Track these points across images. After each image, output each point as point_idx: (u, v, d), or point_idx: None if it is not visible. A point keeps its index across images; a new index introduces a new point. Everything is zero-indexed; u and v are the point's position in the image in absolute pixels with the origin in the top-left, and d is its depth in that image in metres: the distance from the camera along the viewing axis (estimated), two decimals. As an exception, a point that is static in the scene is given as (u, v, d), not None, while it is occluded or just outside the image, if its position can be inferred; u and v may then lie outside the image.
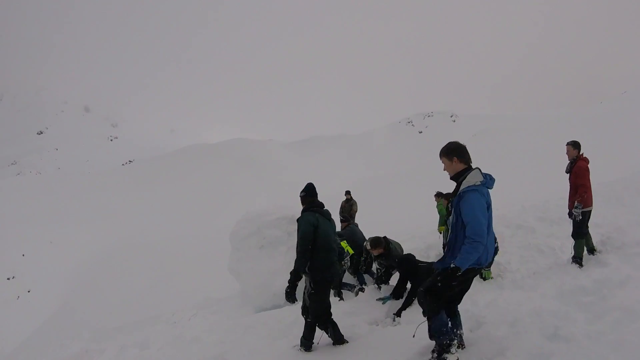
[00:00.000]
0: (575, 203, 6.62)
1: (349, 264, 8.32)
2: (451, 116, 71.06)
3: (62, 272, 24.98)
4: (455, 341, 4.06)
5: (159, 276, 21.50)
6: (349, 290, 8.28)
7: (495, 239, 4.67)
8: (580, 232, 6.69)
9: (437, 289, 3.92)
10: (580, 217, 6.59)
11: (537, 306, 5.01)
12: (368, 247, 7.09)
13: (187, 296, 15.68)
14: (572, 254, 6.76)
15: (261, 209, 10.23)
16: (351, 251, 8.61)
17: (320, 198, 5.41)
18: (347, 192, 13.51)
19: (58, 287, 23.31)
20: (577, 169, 6.74)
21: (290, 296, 4.96)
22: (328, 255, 5.07)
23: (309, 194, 5.36)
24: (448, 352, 3.96)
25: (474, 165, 4.10)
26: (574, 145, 6.91)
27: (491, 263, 4.82)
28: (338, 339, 5.28)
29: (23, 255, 26.25)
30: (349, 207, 13.06)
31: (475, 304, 5.57)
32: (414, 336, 4.46)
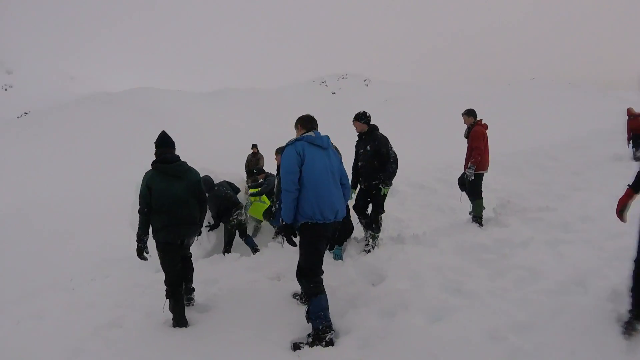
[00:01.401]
0: (469, 164, 6.88)
1: (241, 218, 8.06)
2: (365, 80, 72.31)
3: None
4: (332, 328, 3.90)
5: (55, 238, 20.22)
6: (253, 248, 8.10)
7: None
8: (476, 193, 7.00)
9: (302, 260, 4.03)
10: (473, 178, 6.88)
11: (438, 261, 5.03)
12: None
13: (85, 259, 14.95)
14: (472, 213, 7.01)
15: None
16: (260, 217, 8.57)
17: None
18: (254, 146, 13.20)
19: None
20: (474, 133, 6.99)
21: (140, 255, 4.72)
22: (165, 215, 4.63)
23: (158, 143, 4.90)
24: (323, 339, 3.82)
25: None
26: (469, 113, 7.19)
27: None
28: (177, 318, 4.76)
29: None
30: (255, 161, 12.78)
31: (377, 257, 5.53)
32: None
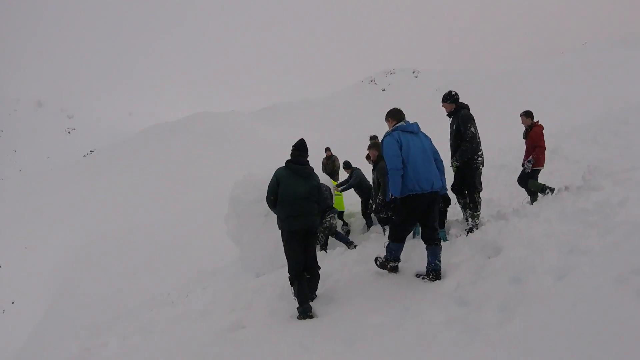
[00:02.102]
0: (530, 157, 7.57)
1: (333, 222, 8.46)
2: (413, 72, 71.18)
3: (43, 276, 24.31)
4: (397, 263, 5.52)
5: (142, 262, 21.08)
6: (345, 243, 8.46)
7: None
8: (534, 186, 7.66)
9: (395, 221, 5.35)
10: (530, 171, 7.60)
11: (546, 228, 5.25)
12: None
13: (178, 275, 15.41)
14: (530, 198, 7.74)
15: (265, 173, 9.16)
16: (342, 208, 8.96)
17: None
18: (327, 149, 13.41)
19: (42, 291, 22.70)
20: (534, 134, 7.66)
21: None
22: (288, 207, 5.47)
23: (294, 147, 5.84)
24: (385, 267, 5.48)
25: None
26: (527, 115, 7.85)
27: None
28: (302, 302, 5.40)
29: None
30: (331, 164, 13.01)
31: (486, 233, 5.80)
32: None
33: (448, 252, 5.65)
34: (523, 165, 7.77)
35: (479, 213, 6.59)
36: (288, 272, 5.63)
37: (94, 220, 31.86)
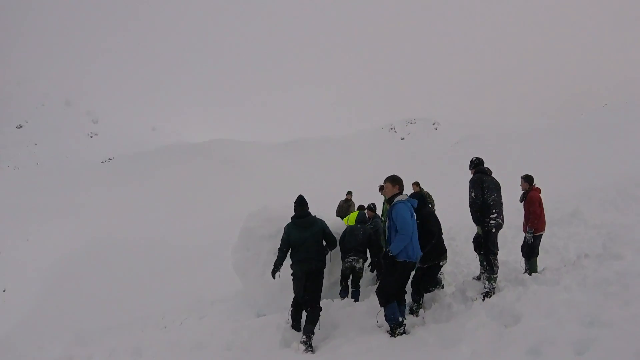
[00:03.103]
0: (527, 228, 7.53)
1: (355, 265, 8.21)
2: (433, 124, 71.97)
3: (39, 271, 24.36)
4: (403, 326, 5.53)
5: (141, 276, 21.02)
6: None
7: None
8: (533, 253, 7.59)
9: (384, 284, 5.61)
10: (532, 240, 7.51)
11: (566, 297, 5.09)
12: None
13: (175, 298, 15.25)
14: (528, 271, 7.34)
15: (282, 210, 9.13)
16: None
17: (286, 204, 6.96)
18: (349, 193, 13.10)
19: (35, 285, 22.69)
20: (530, 198, 7.67)
21: (273, 275, 6.78)
22: (298, 253, 6.56)
23: (295, 203, 6.87)
24: (396, 332, 5.45)
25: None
26: (526, 179, 7.88)
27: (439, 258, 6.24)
28: (295, 319, 6.72)
29: None
30: (347, 207, 12.77)
31: (504, 299, 5.63)
32: (377, 322, 5.83)
33: (464, 315, 5.49)
34: (525, 231, 7.71)
35: (495, 276, 6.48)
36: (292, 301, 6.79)
37: (101, 226, 32.16)
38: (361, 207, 11.09)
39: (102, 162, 60.33)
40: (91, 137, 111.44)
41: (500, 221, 6.55)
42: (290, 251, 6.72)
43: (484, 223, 6.49)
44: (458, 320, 5.36)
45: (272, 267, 6.76)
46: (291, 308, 6.81)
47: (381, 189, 10.92)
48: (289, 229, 6.76)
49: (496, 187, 6.69)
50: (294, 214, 6.85)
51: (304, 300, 6.53)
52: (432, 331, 5.30)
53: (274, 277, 6.73)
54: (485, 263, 6.52)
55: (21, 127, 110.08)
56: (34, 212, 32.95)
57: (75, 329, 13.87)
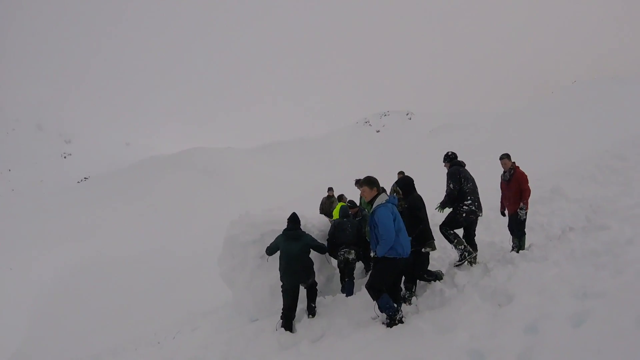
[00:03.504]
0: (521, 205, 7.35)
1: (348, 257, 8.23)
2: (407, 114, 72.56)
3: (25, 301, 23.70)
4: (400, 313, 5.54)
5: (130, 296, 20.70)
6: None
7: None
8: (523, 230, 7.48)
9: (374, 280, 5.59)
10: (525, 217, 7.40)
11: (556, 272, 5.12)
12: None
13: (165, 314, 15.05)
14: (515, 249, 7.37)
15: (264, 215, 9.19)
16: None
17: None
18: (330, 189, 13.08)
19: (22, 317, 22.07)
20: (520, 176, 7.48)
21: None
22: (286, 266, 7.00)
23: (288, 220, 7.43)
24: (396, 320, 5.47)
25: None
26: (508, 157, 7.73)
27: (430, 242, 6.33)
28: (286, 326, 6.91)
29: None
30: (329, 204, 12.70)
31: (495, 279, 5.64)
32: (375, 314, 5.80)
33: (457, 300, 5.49)
34: (509, 212, 7.65)
35: (458, 242, 7.03)
36: (282, 310, 7.04)
37: (82, 249, 31.52)
38: (341, 197, 11.31)
39: (78, 182, 59.43)
40: (65, 157, 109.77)
41: (473, 208, 6.96)
42: (279, 265, 7.15)
43: (457, 207, 7.03)
44: (452, 305, 5.34)
45: (259, 275, 7.37)
46: (281, 320, 7.00)
47: (357, 182, 11.16)
48: (279, 238, 7.33)
49: (471, 177, 7.15)
50: (286, 227, 7.38)
51: (294, 308, 7.05)
52: (427, 318, 5.26)
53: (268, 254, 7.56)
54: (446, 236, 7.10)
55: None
56: (13, 241, 32.19)
57: (69, 358, 13.61)
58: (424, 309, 5.76)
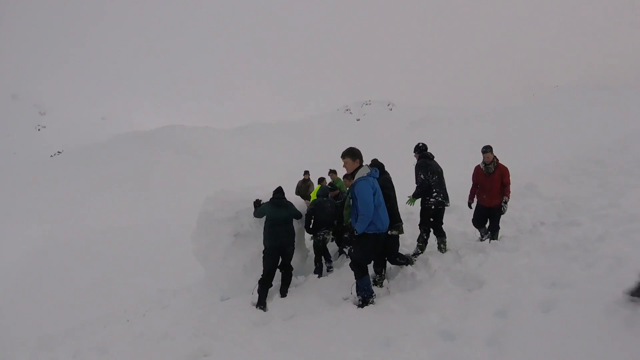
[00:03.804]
0: (505, 198, 7.49)
1: (327, 237, 8.31)
2: (388, 104, 72.96)
3: None
4: (374, 296, 5.60)
5: (102, 272, 20.39)
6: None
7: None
8: (498, 224, 7.72)
9: (357, 256, 5.59)
10: (506, 211, 7.60)
11: (527, 262, 5.25)
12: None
13: (137, 291, 14.81)
14: (484, 239, 7.73)
15: (239, 193, 9.13)
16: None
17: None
18: (306, 172, 13.15)
19: None
20: (504, 170, 7.63)
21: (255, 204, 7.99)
22: (270, 229, 7.18)
23: (275, 191, 7.71)
24: (368, 302, 5.52)
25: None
26: (492, 150, 7.71)
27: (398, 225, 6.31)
28: (260, 299, 6.96)
29: None
30: (305, 187, 12.73)
31: (466, 265, 5.77)
32: (351, 294, 5.91)
33: (428, 283, 5.59)
34: (487, 204, 7.68)
35: (421, 245, 7.44)
36: (261, 275, 7.08)
37: (54, 224, 31.25)
38: (321, 180, 11.55)
39: (52, 156, 58.21)
40: (39, 130, 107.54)
41: (440, 199, 7.16)
42: (264, 231, 7.30)
43: (424, 200, 7.30)
44: (423, 288, 5.44)
45: (233, 253, 7.58)
46: (257, 285, 7.05)
47: (330, 172, 11.75)
48: (266, 205, 7.48)
49: (438, 170, 7.34)
50: (272, 197, 7.64)
51: (281, 265, 7.29)
52: (398, 300, 5.35)
53: (254, 213, 7.75)
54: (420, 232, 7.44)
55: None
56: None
57: (38, 333, 13.37)
58: (395, 291, 5.84)
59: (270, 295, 7.21)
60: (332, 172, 12.06)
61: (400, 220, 6.43)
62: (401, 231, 6.37)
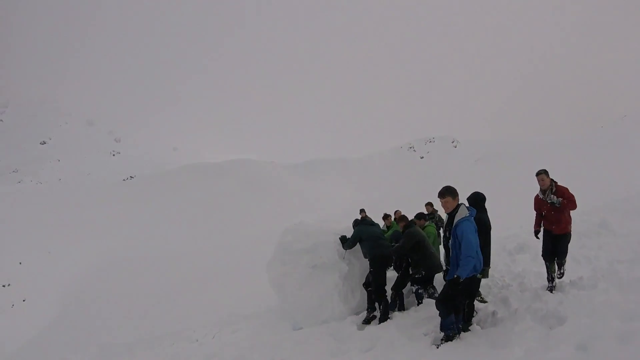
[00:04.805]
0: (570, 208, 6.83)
1: None
2: (452, 142, 71.78)
3: (59, 282, 24.62)
4: (458, 334, 5.56)
5: (167, 292, 20.84)
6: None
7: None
8: (566, 250, 7.06)
9: (448, 297, 5.40)
10: (559, 205, 6.84)
11: (606, 299, 5.38)
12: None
13: (202, 313, 15.08)
14: (557, 276, 7.03)
15: (317, 225, 9.45)
16: None
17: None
18: (362, 211, 13.14)
19: (55, 297, 22.90)
20: (564, 189, 6.90)
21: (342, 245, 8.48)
22: (372, 242, 7.79)
23: (358, 222, 8.58)
24: (452, 339, 5.48)
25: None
26: (547, 173, 7.03)
27: (484, 269, 6.06)
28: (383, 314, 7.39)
29: (20, 263, 26.11)
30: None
31: (546, 302, 5.88)
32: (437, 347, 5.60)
33: (509, 320, 5.73)
34: (555, 232, 6.93)
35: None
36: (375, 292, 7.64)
37: (123, 242, 32.63)
38: (386, 217, 11.51)
39: (124, 180, 61.05)
40: (113, 155, 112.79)
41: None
42: (365, 248, 7.85)
43: None
44: (505, 325, 5.60)
45: (309, 284, 8.08)
46: (380, 304, 7.52)
47: (398, 217, 11.04)
48: (360, 228, 8.09)
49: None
50: (360, 220, 8.68)
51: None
52: (480, 336, 5.53)
53: (343, 247, 8.33)
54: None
55: (45, 143, 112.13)
56: (56, 227, 33.55)
57: (99, 342, 13.87)
58: (476, 328, 5.93)
59: (347, 327, 7.29)
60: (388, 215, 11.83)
61: (489, 264, 6.28)
62: (486, 275, 6.21)
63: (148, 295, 20.93)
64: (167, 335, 12.14)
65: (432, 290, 7.68)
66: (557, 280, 6.90)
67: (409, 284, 7.90)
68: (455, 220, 5.48)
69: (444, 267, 7.49)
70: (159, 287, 22.01)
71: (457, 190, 5.72)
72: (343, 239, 8.35)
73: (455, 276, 5.27)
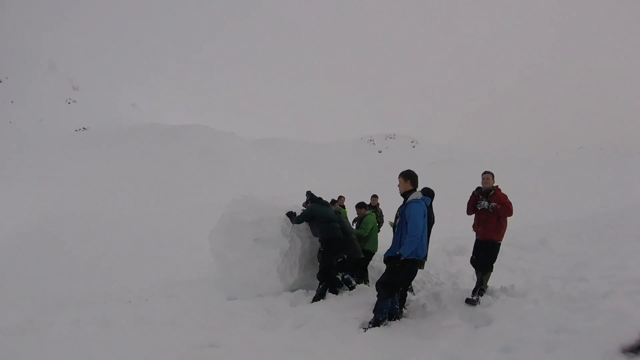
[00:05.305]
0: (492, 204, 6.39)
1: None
2: (412, 141, 73.15)
3: None
4: (386, 320, 5.63)
5: (102, 252, 20.42)
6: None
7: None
8: (492, 264, 6.67)
9: (390, 279, 5.54)
10: (487, 208, 6.45)
11: (534, 308, 5.58)
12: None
13: (138, 277, 14.74)
14: (479, 289, 6.48)
15: (266, 200, 9.38)
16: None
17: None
18: (340, 198, 12.98)
19: None
20: (502, 196, 6.49)
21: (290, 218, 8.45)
22: (328, 224, 7.83)
23: (312, 198, 8.61)
24: (379, 324, 5.54)
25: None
26: (493, 176, 6.72)
27: (425, 257, 5.90)
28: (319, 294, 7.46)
29: None
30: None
31: (479, 304, 6.08)
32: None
33: (439, 315, 5.88)
34: (481, 237, 6.59)
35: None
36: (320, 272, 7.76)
37: (66, 196, 31.71)
38: (333, 202, 11.03)
39: (77, 131, 58.88)
40: (69, 103, 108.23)
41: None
42: (320, 227, 7.87)
43: None
44: (434, 318, 5.74)
45: (251, 257, 7.93)
46: (321, 284, 7.58)
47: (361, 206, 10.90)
48: (314, 206, 8.09)
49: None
50: (315, 199, 8.48)
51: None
52: (409, 325, 5.64)
53: (291, 221, 8.28)
54: None
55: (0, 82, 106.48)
56: (-1, 173, 32.17)
57: (35, 298, 13.44)
58: (405, 317, 6.06)
59: (281, 302, 7.31)
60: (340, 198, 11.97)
61: (426, 257, 6.00)
62: (422, 266, 6.03)
63: (85, 253, 20.34)
64: (100, 295, 11.60)
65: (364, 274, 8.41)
66: (478, 297, 6.25)
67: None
68: (407, 200, 5.65)
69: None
70: (97, 246, 21.41)
71: (417, 179, 5.85)
72: (291, 214, 8.33)
73: (397, 253, 5.41)
